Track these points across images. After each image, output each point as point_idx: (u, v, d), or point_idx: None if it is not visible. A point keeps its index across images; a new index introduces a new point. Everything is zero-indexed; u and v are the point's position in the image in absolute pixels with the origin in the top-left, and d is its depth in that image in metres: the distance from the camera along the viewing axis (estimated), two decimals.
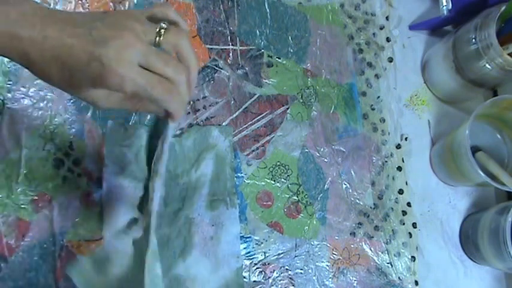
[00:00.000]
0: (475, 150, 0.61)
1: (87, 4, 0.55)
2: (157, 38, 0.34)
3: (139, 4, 0.57)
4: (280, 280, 0.56)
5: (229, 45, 0.60)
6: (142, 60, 0.33)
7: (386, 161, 0.63)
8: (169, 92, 0.34)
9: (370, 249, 0.60)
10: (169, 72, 0.34)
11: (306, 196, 0.59)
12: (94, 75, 0.32)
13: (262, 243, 0.56)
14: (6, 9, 0.33)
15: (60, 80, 0.34)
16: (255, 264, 0.55)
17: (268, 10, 0.63)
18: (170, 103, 0.35)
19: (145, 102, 0.37)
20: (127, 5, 0.57)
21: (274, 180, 0.58)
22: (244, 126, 0.59)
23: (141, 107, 0.38)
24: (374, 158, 0.63)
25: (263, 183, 0.58)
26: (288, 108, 0.61)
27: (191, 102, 0.58)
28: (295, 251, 0.57)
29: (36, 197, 0.50)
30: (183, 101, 0.36)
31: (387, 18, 0.68)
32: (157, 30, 0.35)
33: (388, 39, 0.67)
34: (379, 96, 0.65)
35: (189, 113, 0.57)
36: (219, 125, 0.58)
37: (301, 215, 0.58)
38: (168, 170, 0.54)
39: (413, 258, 0.61)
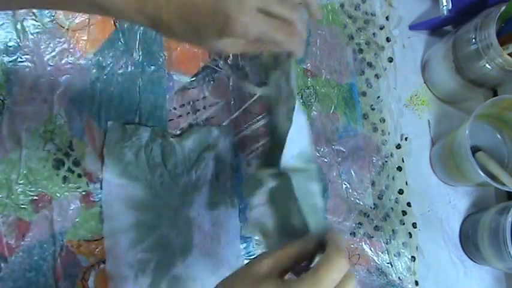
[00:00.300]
0: (475, 150, 0.61)
1: None
2: None
3: None
4: None
5: None
6: (261, 5, 0.35)
7: (386, 161, 0.63)
8: (289, 34, 0.36)
9: (370, 249, 0.60)
10: (287, 14, 0.36)
11: None
12: (219, 26, 0.34)
13: (262, 243, 0.56)
14: None
15: (187, 35, 0.36)
16: None
17: None
18: (291, 43, 0.37)
19: (267, 44, 0.38)
20: None
21: None
22: (244, 126, 0.59)
23: (265, 48, 0.39)
24: (374, 158, 0.63)
25: None
26: None
27: (191, 103, 0.58)
28: None
29: (36, 197, 0.50)
30: (302, 39, 0.38)
31: (387, 18, 0.68)
32: None
33: (388, 39, 0.67)
34: (379, 96, 0.65)
35: (189, 113, 0.57)
36: (219, 125, 0.58)
37: None
38: (168, 170, 0.54)
39: (413, 258, 0.61)
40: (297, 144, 0.42)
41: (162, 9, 0.35)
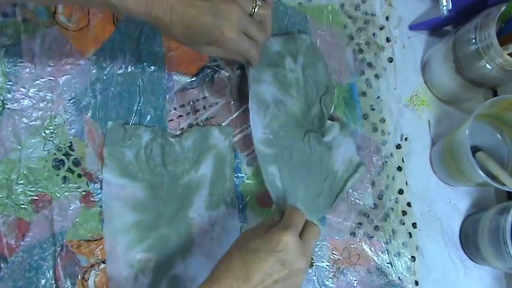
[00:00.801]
0: (475, 150, 0.61)
1: None
2: (253, 11, 0.48)
3: None
4: None
5: None
6: (244, 28, 0.47)
7: (386, 161, 0.63)
8: (257, 51, 0.50)
9: (370, 249, 0.60)
10: (258, 36, 0.48)
11: None
12: (213, 38, 0.46)
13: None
14: None
15: (184, 38, 0.46)
16: None
17: None
18: (254, 57, 0.50)
19: (236, 54, 0.49)
20: None
21: None
22: (244, 126, 0.59)
23: (233, 57, 0.50)
24: (374, 158, 0.63)
25: (263, 183, 0.58)
26: None
27: (191, 103, 0.58)
28: None
29: (36, 197, 0.50)
30: (260, 55, 0.51)
31: (387, 18, 0.68)
32: (253, 5, 0.48)
33: (388, 40, 0.67)
34: (379, 97, 0.65)
35: (189, 113, 0.57)
36: (219, 125, 0.58)
37: None
38: (168, 170, 0.54)
39: (413, 258, 0.61)
40: (259, 123, 0.54)
41: (166, 14, 0.44)
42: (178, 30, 0.45)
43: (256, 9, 0.48)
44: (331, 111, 0.62)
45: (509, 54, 0.55)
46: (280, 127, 0.55)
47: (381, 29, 0.67)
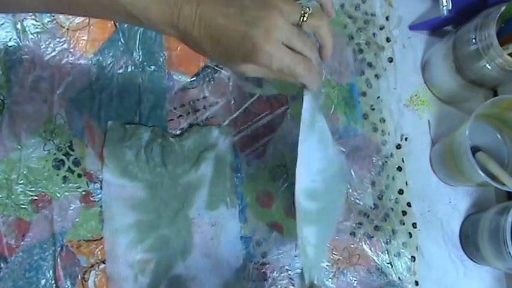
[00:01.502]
0: (475, 150, 0.61)
1: None
2: (301, 20, 0.38)
3: None
4: (280, 280, 0.56)
5: None
6: (286, 40, 0.37)
7: (386, 161, 0.63)
8: (308, 69, 0.39)
9: (370, 249, 0.60)
10: (307, 51, 0.38)
11: None
12: (246, 53, 0.37)
13: (262, 243, 0.56)
14: None
15: (214, 54, 0.38)
16: (255, 264, 0.55)
17: None
18: (307, 78, 0.39)
19: (286, 75, 0.40)
20: None
21: (274, 180, 0.58)
22: (244, 126, 0.59)
23: (282, 78, 0.41)
24: (374, 158, 0.63)
25: (263, 183, 0.58)
26: (288, 108, 0.61)
27: (191, 102, 0.58)
28: (295, 251, 0.57)
29: (36, 197, 0.50)
30: (318, 75, 0.41)
31: (387, 18, 0.68)
32: (302, 13, 0.38)
33: (388, 40, 0.67)
34: (379, 97, 0.65)
35: (189, 113, 0.57)
36: (219, 125, 0.58)
37: None
38: (168, 170, 0.54)
39: (413, 258, 0.61)
40: (312, 168, 0.44)
41: (194, 27, 0.37)
42: (208, 46, 0.38)
43: (305, 18, 0.38)
44: (331, 111, 0.62)
45: (509, 54, 0.55)
46: (333, 176, 0.46)
47: (381, 29, 0.67)
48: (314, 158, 0.44)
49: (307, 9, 0.38)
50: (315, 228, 0.44)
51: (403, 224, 0.62)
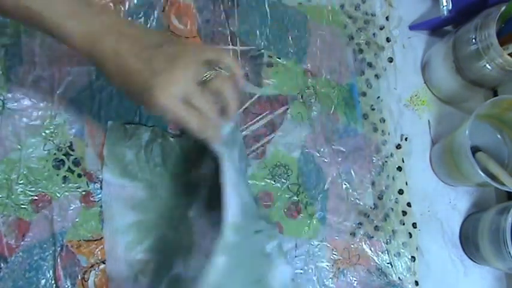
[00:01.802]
0: (475, 150, 0.61)
1: None
2: (205, 81, 0.41)
3: (139, 4, 0.57)
4: None
5: (229, 45, 0.60)
6: (185, 96, 0.39)
7: (386, 161, 0.63)
8: (204, 125, 0.41)
9: (370, 249, 0.60)
10: (205, 109, 0.41)
11: (306, 196, 0.59)
12: (145, 99, 0.39)
13: None
14: (91, 18, 0.40)
15: (120, 87, 0.41)
16: None
17: (268, 10, 0.63)
18: (203, 133, 0.42)
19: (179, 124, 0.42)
20: (127, 5, 0.57)
21: (274, 181, 0.58)
22: (244, 126, 0.59)
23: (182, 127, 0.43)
24: (374, 158, 0.63)
25: (263, 183, 0.58)
26: (288, 109, 0.61)
27: None
28: (295, 251, 0.57)
29: (36, 197, 0.50)
30: (216, 133, 0.43)
31: (387, 18, 0.68)
32: (205, 77, 0.41)
33: (388, 40, 0.67)
34: (379, 97, 0.65)
35: None
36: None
37: (301, 215, 0.58)
38: (168, 170, 0.54)
39: (413, 258, 0.61)
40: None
41: (107, 60, 0.40)
42: (116, 81, 0.41)
43: (207, 77, 0.41)
44: (331, 111, 0.62)
45: (509, 54, 0.55)
46: (253, 209, 0.47)
47: (381, 29, 0.67)
48: (242, 190, 0.46)
49: (213, 71, 0.41)
50: (227, 259, 0.42)
51: (403, 224, 0.62)
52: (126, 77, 0.40)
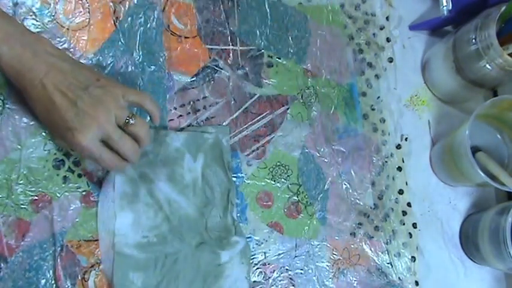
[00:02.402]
0: (475, 150, 0.61)
1: (87, 4, 0.55)
2: (125, 124, 0.45)
3: (139, 4, 0.57)
4: (280, 280, 0.56)
5: (229, 45, 0.60)
6: (105, 137, 0.44)
7: (386, 161, 0.63)
8: (116, 165, 0.46)
9: (370, 250, 0.60)
10: (121, 149, 0.45)
11: (306, 196, 0.59)
12: (66, 137, 0.43)
13: (262, 243, 0.56)
14: (23, 45, 0.42)
15: (43, 120, 0.45)
16: (255, 264, 0.55)
17: (268, 10, 0.63)
18: (117, 169, 0.48)
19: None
20: (127, 5, 0.57)
21: (274, 181, 0.58)
22: (244, 126, 0.59)
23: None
24: (374, 158, 0.63)
25: (263, 183, 0.58)
26: (288, 109, 0.61)
27: (191, 103, 0.58)
28: (295, 251, 0.57)
29: (36, 197, 0.50)
30: (123, 171, 0.49)
31: (387, 18, 0.68)
32: (126, 120, 0.45)
33: (388, 40, 0.67)
34: (379, 97, 0.65)
35: (189, 113, 0.57)
36: (219, 125, 0.58)
37: (301, 215, 0.58)
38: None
39: (413, 258, 0.61)
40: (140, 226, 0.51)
41: (34, 89, 0.43)
42: (39, 112, 0.44)
43: (128, 125, 0.45)
44: (331, 111, 0.62)
45: (509, 54, 0.55)
46: (170, 230, 0.51)
47: (381, 29, 0.67)
48: (142, 218, 0.50)
49: (133, 117, 0.45)
50: (143, 274, 0.49)
51: (403, 224, 0.62)
52: (49, 111, 0.43)
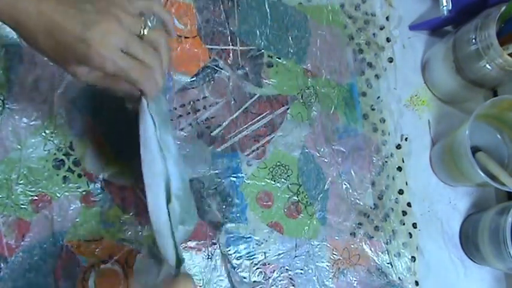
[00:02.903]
0: (475, 150, 0.61)
1: None
2: (141, 32, 0.39)
3: None
4: (280, 280, 0.56)
5: (229, 45, 0.60)
6: (124, 46, 0.38)
7: (386, 161, 0.63)
8: (145, 75, 0.39)
9: (370, 250, 0.60)
10: (147, 58, 0.39)
11: (306, 196, 0.59)
12: (80, 54, 0.37)
13: (262, 243, 0.56)
14: None
15: (49, 51, 0.38)
16: (255, 264, 0.55)
17: (268, 10, 0.63)
18: (144, 84, 0.40)
19: (122, 81, 0.40)
20: None
21: (274, 181, 0.58)
22: (244, 126, 0.59)
23: (118, 85, 0.41)
24: (374, 158, 0.63)
25: (263, 183, 0.58)
26: (288, 109, 0.61)
27: (191, 103, 0.58)
28: (295, 251, 0.57)
29: (36, 197, 0.50)
30: (156, 83, 0.41)
31: (387, 18, 0.68)
32: (142, 25, 0.39)
33: (388, 40, 0.67)
34: (379, 97, 0.65)
35: (189, 113, 0.57)
36: (219, 125, 0.58)
37: (301, 215, 0.58)
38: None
39: (413, 258, 0.61)
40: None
41: (31, 19, 0.37)
42: (42, 41, 0.37)
43: (145, 31, 0.39)
44: (331, 111, 0.62)
45: (509, 54, 0.55)
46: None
47: (381, 29, 0.67)
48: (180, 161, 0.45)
49: (148, 23, 0.40)
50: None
51: (403, 224, 0.62)
52: (52, 36, 0.37)
